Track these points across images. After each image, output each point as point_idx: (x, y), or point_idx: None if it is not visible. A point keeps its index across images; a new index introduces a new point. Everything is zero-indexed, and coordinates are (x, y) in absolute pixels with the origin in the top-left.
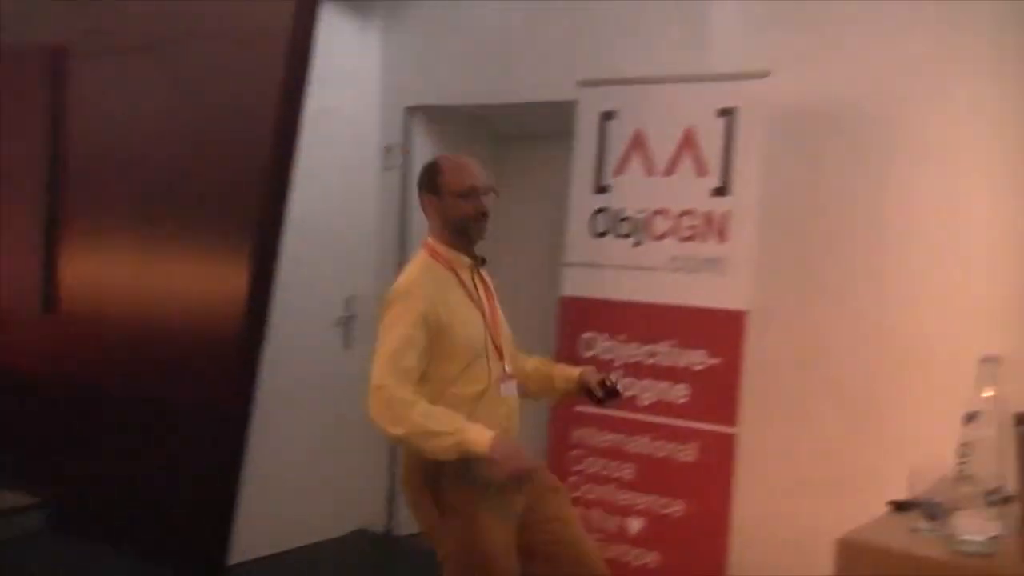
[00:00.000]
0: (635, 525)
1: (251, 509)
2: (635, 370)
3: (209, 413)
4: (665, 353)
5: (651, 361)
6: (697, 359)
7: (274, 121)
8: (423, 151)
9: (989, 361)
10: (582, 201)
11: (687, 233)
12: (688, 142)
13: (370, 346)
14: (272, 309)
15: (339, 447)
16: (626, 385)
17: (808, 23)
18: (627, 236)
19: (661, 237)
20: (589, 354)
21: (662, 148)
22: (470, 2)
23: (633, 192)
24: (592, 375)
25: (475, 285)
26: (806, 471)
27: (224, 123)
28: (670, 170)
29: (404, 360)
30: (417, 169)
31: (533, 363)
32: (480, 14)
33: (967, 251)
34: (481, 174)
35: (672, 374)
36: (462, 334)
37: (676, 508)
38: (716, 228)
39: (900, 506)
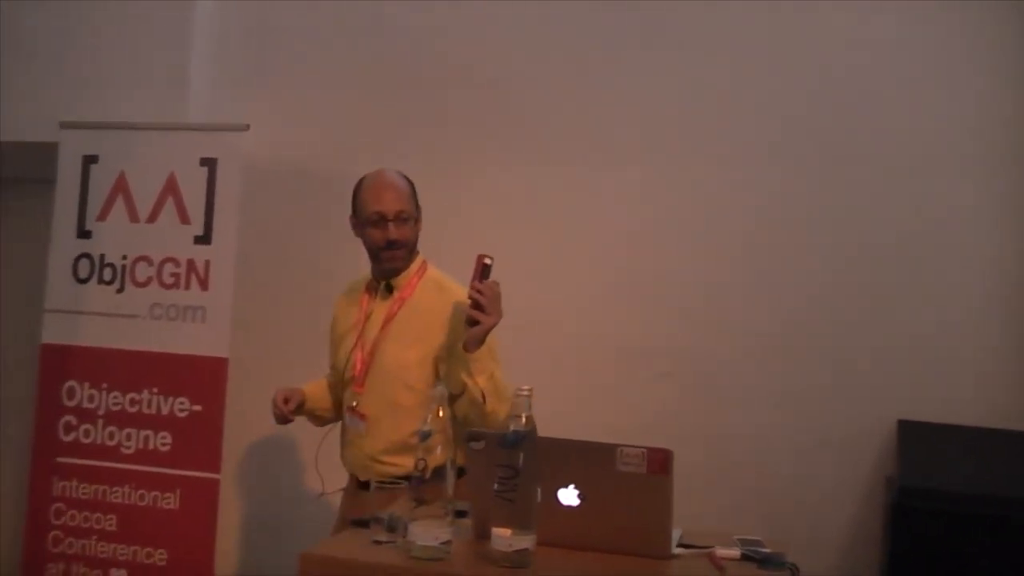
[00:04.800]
0: None
1: None
2: (118, 419)
3: None
4: (148, 401)
5: (133, 409)
6: (179, 406)
7: None
8: None
9: (439, 386)
10: (64, 246)
11: (169, 280)
12: (171, 190)
13: None
14: None
15: None
16: (110, 434)
17: (284, 83)
18: (110, 283)
19: (144, 284)
20: (71, 404)
21: (145, 194)
22: None
23: (116, 238)
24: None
25: (370, 311)
26: (286, 513)
27: None
28: (153, 217)
29: None
30: None
31: None
32: None
33: None
34: (395, 198)
35: (155, 422)
36: (334, 353)
37: (160, 557)
38: (198, 276)
39: (361, 523)
